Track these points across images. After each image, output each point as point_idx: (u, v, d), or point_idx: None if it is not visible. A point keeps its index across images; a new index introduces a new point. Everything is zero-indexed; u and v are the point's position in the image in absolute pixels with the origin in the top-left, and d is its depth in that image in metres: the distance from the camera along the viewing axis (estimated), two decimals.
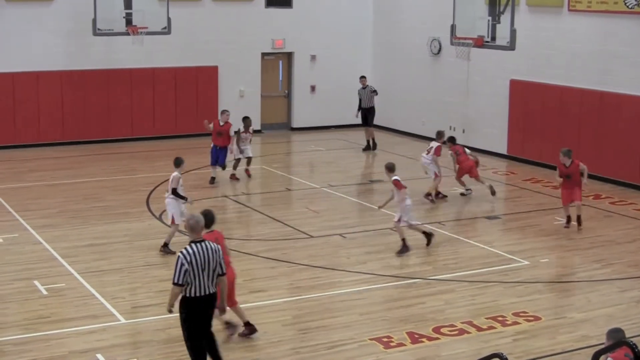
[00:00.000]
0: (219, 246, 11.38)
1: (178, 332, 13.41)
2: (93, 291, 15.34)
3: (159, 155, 27.86)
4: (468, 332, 13.78)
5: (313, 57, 32.99)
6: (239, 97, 31.78)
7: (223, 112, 24.40)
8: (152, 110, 30.77)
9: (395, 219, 17.93)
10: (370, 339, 13.42)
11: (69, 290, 15.37)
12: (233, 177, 24.34)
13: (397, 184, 17.70)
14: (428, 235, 18.26)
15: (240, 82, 31.84)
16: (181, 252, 11.01)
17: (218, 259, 11.18)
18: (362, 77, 29.78)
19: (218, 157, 23.86)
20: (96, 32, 27.94)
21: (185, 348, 11.78)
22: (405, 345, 13.25)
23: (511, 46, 22.80)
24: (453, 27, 24.66)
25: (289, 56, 33.12)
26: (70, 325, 13.76)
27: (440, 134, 22.70)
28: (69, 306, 14.66)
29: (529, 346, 13.33)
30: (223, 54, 31.52)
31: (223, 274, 11.31)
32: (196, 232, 11.15)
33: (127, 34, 28.10)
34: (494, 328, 13.97)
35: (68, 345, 13.00)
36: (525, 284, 15.87)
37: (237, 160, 24.44)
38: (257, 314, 14.45)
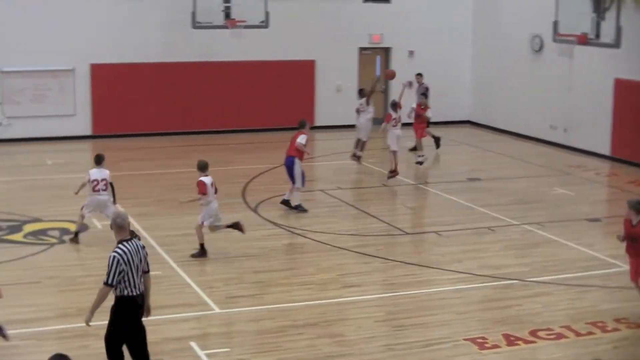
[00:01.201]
0: (142, 243, 10.99)
1: (271, 323, 13.49)
2: (188, 280, 15.44)
3: (253, 148, 28.00)
4: (566, 337, 13.45)
5: (411, 53, 32.76)
6: (336, 92, 31.73)
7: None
8: (248, 103, 30.92)
9: (199, 222, 16.99)
10: (465, 339, 13.20)
11: (165, 278, 15.48)
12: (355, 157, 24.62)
13: (200, 185, 16.74)
14: (236, 226, 17.35)
15: (337, 77, 31.79)
16: (115, 251, 10.50)
17: (144, 255, 10.87)
18: (418, 75, 29.21)
19: None
20: (195, 25, 28.26)
21: (275, 340, 11.75)
22: (500, 347, 13.01)
23: (616, 44, 22.28)
24: (556, 24, 24.20)
25: (386, 51, 32.95)
26: (166, 313, 13.84)
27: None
28: (165, 294, 14.75)
29: (631, 354, 12.95)
30: (320, 48, 31.51)
31: (148, 271, 11.00)
32: (124, 230, 10.70)
33: (226, 27, 28.34)
34: (593, 334, 13.60)
35: (162, 332, 13.08)
36: (627, 289, 15.39)
37: (359, 141, 24.68)
38: (350, 309, 14.38)
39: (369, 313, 14.26)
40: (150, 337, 12.77)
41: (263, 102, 31.01)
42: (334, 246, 17.64)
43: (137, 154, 27.20)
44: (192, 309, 14.11)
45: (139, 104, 29.84)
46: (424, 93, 28.36)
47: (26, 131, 28.90)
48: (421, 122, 25.68)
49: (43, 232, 18.27)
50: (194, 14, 28.18)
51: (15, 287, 14.94)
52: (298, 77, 31.31)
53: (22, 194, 21.79)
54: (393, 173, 23.41)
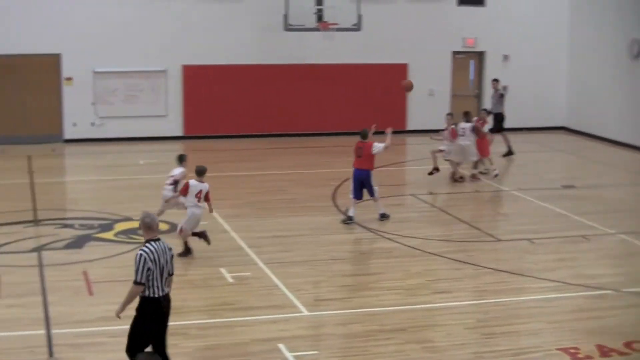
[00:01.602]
0: (171, 246, 10.98)
1: (359, 327, 13.35)
2: (277, 282, 15.40)
3: (344, 151, 27.87)
4: None
5: (505, 57, 32.34)
6: (428, 96, 31.48)
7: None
8: (339, 106, 30.87)
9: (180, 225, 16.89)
10: (557, 349, 12.88)
11: (254, 280, 15.49)
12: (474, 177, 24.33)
13: (183, 189, 16.70)
14: (202, 236, 17.06)
15: (429, 81, 31.51)
16: (142, 250, 10.51)
17: (170, 257, 10.83)
18: (494, 80, 28.67)
19: None
20: (287, 27, 28.32)
21: (362, 344, 11.60)
22: (593, 358, 12.64)
23: None
24: None
25: (480, 55, 32.58)
26: (254, 314, 13.84)
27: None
28: (254, 295, 14.76)
29: None
30: (413, 51, 31.30)
31: (172, 274, 10.92)
32: (153, 230, 10.73)
33: (318, 29, 28.34)
34: None
35: (251, 333, 13.07)
36: None
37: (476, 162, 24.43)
38: (440, 315, 14.19)
39: (459, 320, 14.03)
40: (239, 338, 12.85)
41: (354, 105, 30.91)
42: (424, 251, 17.44)
43: (227, 156, 27.35)
44: (281, 311, 14.06)
45: (229, 106, 30.01)
46: (498, 102, 27.94)
47: (118, 131, 29.31)
48: (482, 138, 24.71)
49: (133, 231, 18.43)
50: (286, 17, 28.25)
51: (105, 285, 15.13)
52: (390, 80, 31.12)
53: (114, 193, 22.05)
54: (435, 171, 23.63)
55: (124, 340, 12.60)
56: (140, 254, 10.46)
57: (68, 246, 17.48)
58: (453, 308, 14.56)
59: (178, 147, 28.02)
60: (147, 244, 10.58)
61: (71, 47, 28.72)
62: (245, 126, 30.22)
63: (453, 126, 23.80)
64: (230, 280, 15.44)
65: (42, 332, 13.00)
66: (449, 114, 24.85)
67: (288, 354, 12.30)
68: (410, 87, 22.58)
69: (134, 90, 29.42)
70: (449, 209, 21.22)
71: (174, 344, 12.45)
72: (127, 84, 29.31)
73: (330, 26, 28.27)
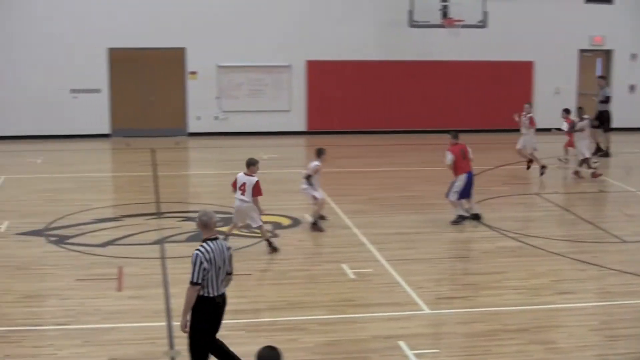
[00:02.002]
0: (228, 244, 10.84)
1: (481, 327, 13.10)
2: (399, 279, 15.24)
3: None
4: None
5: (633, 56, 31.48)
6: (554, 94, 30.87)
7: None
8: (462, 103, 30.55)
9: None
10: None
11: (375, 276, 15.37)
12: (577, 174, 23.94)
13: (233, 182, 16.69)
14: None
15: (555, 79, 30.92)
16: (199, 249, 10.35)
17: (229, 257, 10.68)
18: (600, 78, 27.71)
19: None
20: (412, 23, 28.14)
21: (484, 344, 11.33)
22: None
23: None
24: None
25: (607, 54, 31.79)
26: (375, 311, 13.73)
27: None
28: (375, 292, 14.65)
29: None
30: (539, 49, 30.77)
31: (231, 273, 10.79)
32: (209, 229, 10.53)
33: (443, 26, 28.08)
34: None
35: (371, 330, 12.96)
36: None
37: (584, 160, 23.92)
38: (564, 316, 13.84)
39: (583, 321, 13.64)
40: (359, 334, 12.74)
41: (478, 102, 30.56)
42: (548, 251, 17.05)
43: (350, 152, 27.33)
44: (402, 309, 13.90)
45: (353, 102, 30.01)
46: (604, 101, 27.16)
47: (241, 125, 29.62)
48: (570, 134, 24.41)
49: None
50: (411, 13, 28.09)
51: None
52: (515, 78, 30.64)
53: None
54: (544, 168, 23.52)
55: (243, 334, 12.74)
56: (197, 254, 10.32)
57: (190, 239, 17.66)
58: (577, 309, 14.17)
59: (301, 142, 28.16)
60: (204, 244, 10.44)
61: (196, 41, 29.15)
62: (368, 122, 30.18)
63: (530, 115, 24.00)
64: (352, 276, 15.36)
65: (163, 324, 13.12)
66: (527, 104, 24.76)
67: (409, 352, 12.14)
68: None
69: (258, 85, 29.68)
70: (573, 209, 20.73)
71: (293, 339, 12.45)
72: (251, 78, 29.58)
73: (456, 23, 27.98)
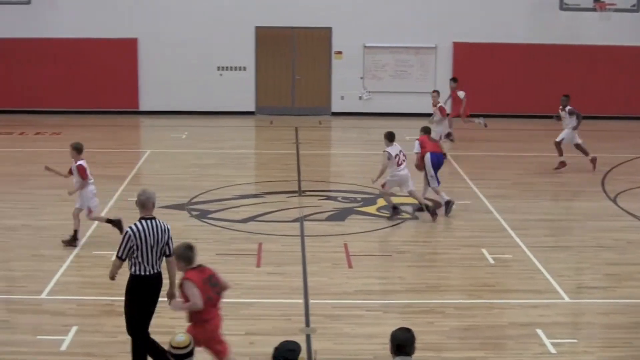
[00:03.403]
0: (169, 226, 10.69)
1: (623, 318, 12.70)
2: (539, 266, 14.91)
3: (617, 136, 26.80)
4: None
5: None
6: None
7: None
8: (613, 89, 29.68)
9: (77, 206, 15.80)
10: None
11: (515, 262, 15.09)
12: None
13: (80, 169, 15.67)
14: (115, 223, 15.77)
15: None
16: (130, 227, 10.40)
17: (167, 239, 10.54)
18: None
19: None
20: (563, 6, 27.50)
21: (625, 335, 10.98)
22: None
23: None
24: None
25: None
26: (514, 297, 13.47)
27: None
28: (514, 278, 14.38)
29: None
30: None
31: (170, 255, 10.55)
32: (147, 208, 10.54)
33: (594, 10, 27.34)
34: None
35: (509, 316, 12.72)
36: None
37: None
38: None
39: None
40: (497, 320, 12.53)
41: (629, 88, 29.60)
42: None
43: (497, 135, 26.88)
44: (541, 296, 13.59)
45: (500, 85, 29.51)
46: None
47: (385, 106, 29.51)
48: None
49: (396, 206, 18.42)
50: None
51: (364, 258, 15.20)
52: None
53: (378, 168, 22.11)
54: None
55: (379, 314, 12.68)
56: (127, 231, 10.44)
57: (330, 218, 17.71)
58: None
59: (445, 124, 27.79)
60: (137, 222, 10.47)
61: (343, 21, 29.16)
62: (515, 106, 29.62)
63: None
64: (492, 261, 15.11)
65: (300, 301, 13.19)
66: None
67: (546, 340, 11.86)
68: None
69: (403, 66, 29.52)
70: None
71: (430, 322, 12.33)
72: (397, 59, 29.45)
73: (608, 6, 27.15)
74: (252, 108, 30.00)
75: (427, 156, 18.00)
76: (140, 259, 10.42)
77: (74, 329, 12.03)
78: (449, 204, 17.96)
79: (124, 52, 29.42)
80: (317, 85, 29.69)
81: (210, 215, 17.74)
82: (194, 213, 17.89)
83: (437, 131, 22.99)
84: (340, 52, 29.48)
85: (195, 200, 18.85)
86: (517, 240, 16.32)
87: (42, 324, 12.25)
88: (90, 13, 29.22)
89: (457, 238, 16.64)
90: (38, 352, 11.31)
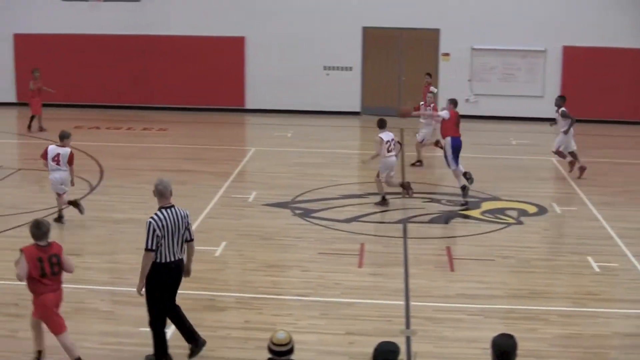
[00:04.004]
0: (188, 212, 10.89)
1: None
2: None
3: None
4: None
5: None
6: None
7: None
8: None
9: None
10: None
11: (621, 271, 14.71)
12: None
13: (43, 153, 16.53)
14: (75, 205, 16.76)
15: None
16: (152, 217, 10.51)
17: (187, 224, 10.75)
18: None
19: None
20: None
21: None
22: None
23: None
24: None
25: None
26: (619, 307, 13.13)
27: None
28: (620, 287, 14.03)
29: None
30: None
31: (191, 240, 10.86)
32: (165, 197, 10.68)
33: None
34: None
35: (614, 326, 12.41)
36: None
37: None
38: None
39: None
40: (601, 330, 12.22)
41: None
42: None
43: (603, 142, 26.33)
44: None
45: (611, 90, 28.89)
46: None
47: (492, 109, 29.17)
48: None
49: (501, 211, 18.18)
50: None
51: (467, 262, 15.03)
52: None
53: (483, 171, 21.87)
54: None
55: (480, 319, 12.50)
56: (150, 222, 10.50)
57: (433, 220, 17.57)
58: None
59: (544, 129, 27.34)
60: (158, 212, 10.61)
61: (451, 23, 28.93)
62: (628, 112, 28.95)
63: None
64: (597, 269, 14.76)
65: (401, 303, 13.09)
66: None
67: None
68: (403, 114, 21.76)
69: (511, 69, 29.15)
70: None
71: (532, 329, 12.11)
72: (505, 62, 29.12)
73: None
74: (357, 108, 29.99)
75: (448, 140, 19.12)
76: (162, 247, 10.58)
77: None
78: (464, 188, 18.82)
79: (231, 50, 29.73)
80: (422, 87, 29.45)
81: (313, 214, 17.76)
82: (297, 212, 17.94)
83: (424, 132, 22.83)
84: (447, 54, 29.24)
85: (298, 198, 18.90)
86: (624, 249, 15.92)
87: (145, 317, 12.38)
88: (199, 11, 29.61)
89: (563, 245, 16.34)
90: (140, 344, 11.44)
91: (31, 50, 30.25)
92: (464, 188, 18.91)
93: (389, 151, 18.34)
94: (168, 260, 10.64)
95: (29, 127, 26.19)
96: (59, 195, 16.86)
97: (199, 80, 29.85)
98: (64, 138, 16.91)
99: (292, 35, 29.33)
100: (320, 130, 27.53)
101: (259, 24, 29.47)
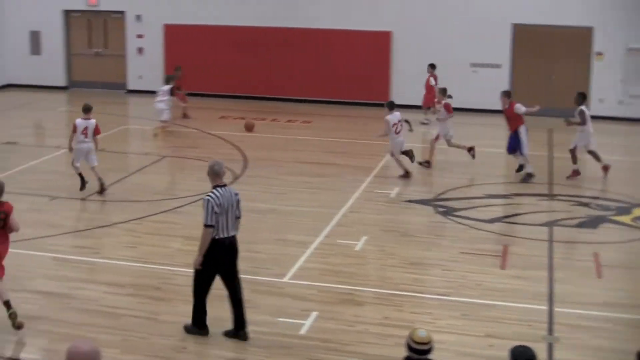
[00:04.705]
0: (237, 191, 11.41)
1: None
2: None
3: None
4: None
5: None
6: None
7: None
8: None
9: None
10: None
11: None
12: None
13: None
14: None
15: None
16: (209, 195, 11.00)
17: (236, 202, 11.26)
18: None
19: None
20: None
21: None
22: None
23: None
24: None
25: None
26: None
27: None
28: None
29: None
30: None
31: (240, 217, 11.38)
32: (219, 176, 11.21)
33: None
34: None
35: None
36: None
37: None
38: None
39: None
40: None
41: None
42: None
43: None
44: None
45: None
46: None
47: None
48: None
49: None
50: None
51: (615, 270, 14.56)
52: None
53: (636, 175, 21.13)
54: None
55: (627, 330, 12.01)
56: (208, 200, 10.96)
57: (581, 225, 17.00)
58: None
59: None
60: (214, 190, 11.09)
61: (605, 21, 28.08)
62: None
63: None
64: None
65: (544, 307, 12.69)
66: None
67: None
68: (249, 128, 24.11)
69: None
70: None
71: None
72: None
73: None
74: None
75: (522, 128, 20.48)
76: (217, 224, 11.03)
77: (314, 314, 12.11)
78: (531, 176, 20.14)
79: (377, 44, 29.60)
80: (573, 87, 28.66)
81: (456, 213, 17.45)
82: (440, 210, 17.65)
83: (442, 128, 21.90)
84: (601, 54, 28.38)
85: (441, 196, 18.61)
86: None
87: (284, 307, 12.40)
88: (346, 5, 29.59)
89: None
90: (278, 334, 11.45)
91: (179, 40, 30.81)
92: (530, 175, 20.17)
93: (396, 132, 19.91)
94: (223, 236, 11.11)
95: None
96: (92, 168, 18.04)
97: (344, 74, 29.83)
98: (88, 111, 18.06)
99: (438, 31, 28.99)
100: (466, 128, 27.09)
101: (406, 19, 29.24)
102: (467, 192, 19.10)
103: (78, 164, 18.13)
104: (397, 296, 12.95)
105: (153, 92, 27.54)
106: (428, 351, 7.71)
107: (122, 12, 31.75)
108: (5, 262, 11.55)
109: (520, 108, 20.55)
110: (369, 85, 29.81)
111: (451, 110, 21.63)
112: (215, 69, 30.14)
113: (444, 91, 22.47)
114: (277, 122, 26.85)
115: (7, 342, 11.36)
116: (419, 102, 28.47)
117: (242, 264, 14.06)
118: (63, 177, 19.62)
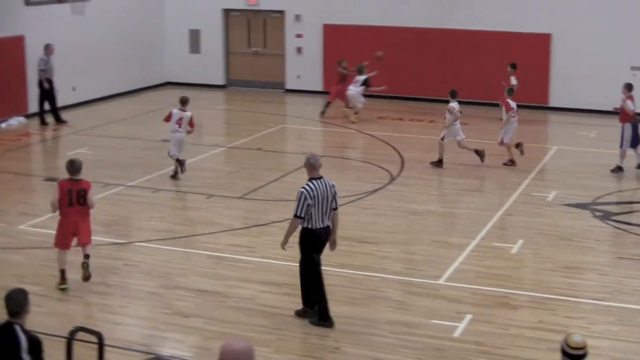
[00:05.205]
0: (334, 183, 11.82)
1: None
2: None
3: None
4: None
5: None
6: None
7: None
8: None
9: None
10: None
11: None
12: None
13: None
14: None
15: None
16: (304, 187, 11.51)
17: (334, 193, 11.71)
18: None
19: None
20: None
21: None
22: None
23: None
24: None
25: None
26: None
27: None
28: None
29: None
30: None
31: (336, 208, 11.80)
32: (315, 169, 11.67)
33: None
34: None
35: None
36: None
37: None
38: None
39: None
40: None
41: None
42: None
43: None
44: None
45: None
46: None
47: None
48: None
49: None
50: None
51: None
52: None
53: None
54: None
55: None
56: (302, 192, 11.52)
57: None
58: None
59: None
60: (309, 182, 11.60)
61: None
62: None
63: None
64: None
65: None
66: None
67: None
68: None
69: None
70: None
71: None
72: None
73: None
74: None
75: (628, 125, 20.48)
76: (312, 215, 11.56)
77: (468, 317, 12.22)
78: (621, 169, 20.34)
79: (537, 46, 29.29)
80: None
81: (614, 217, 17.22)
82: (598, 214, 17.44)
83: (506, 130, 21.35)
84: None
85: (599, 200, 18.35)
86: None
87: (438, 309, 12.54)
88: (508, 7, 29.41)
89: None
90: (431, 336, 11.61)
91: (338, 40, 31.19)
92: (620, 169, 20.43)
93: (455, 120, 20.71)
94: (317, 227, 11.65)
95: (323, 113, 27.08)
96: (178, 161, 19.07)
97: (503, 76, 29.65)
98: (185, 103, 19.00)
99: (600, 33, 28.45)
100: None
101: (567, 22, 28.82)
102: (627, 197, 18.80)
103: (174, 152, 19.10)
104: (551, 300, 12.93)
105: (311, 92, 28.02)
106: (583, 356, 7.75)
107: (281, 12, 32.30)
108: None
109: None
110: (528, 88, 29.50)
111: (510, 108, 21.46)
112: (371, 69, 30.42)
113: (510, 91, 22.30)
114: (434, 123, 26.89)
115: (158, 339, 11.81)
116: (578, 105, 28.10)
117: (397, 265, 14.34)
118: (220, 175, 20.24)
